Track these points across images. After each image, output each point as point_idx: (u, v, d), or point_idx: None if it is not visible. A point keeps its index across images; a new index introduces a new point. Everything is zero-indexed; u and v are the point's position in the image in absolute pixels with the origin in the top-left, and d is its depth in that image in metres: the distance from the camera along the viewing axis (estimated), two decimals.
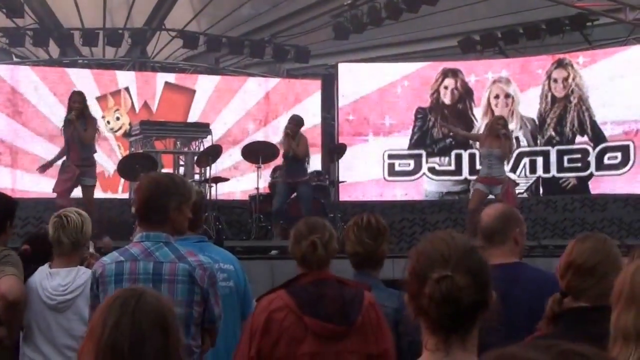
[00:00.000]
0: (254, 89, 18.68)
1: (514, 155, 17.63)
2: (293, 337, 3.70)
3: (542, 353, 1.44)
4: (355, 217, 4.49)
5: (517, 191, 17.48)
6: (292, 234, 4.01)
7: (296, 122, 13.35)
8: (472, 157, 17.92)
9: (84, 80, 17.45)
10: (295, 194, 13.26)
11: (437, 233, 2.38)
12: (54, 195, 11.81)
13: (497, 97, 18.07)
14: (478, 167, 17.88)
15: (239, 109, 18.37)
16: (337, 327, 3.70)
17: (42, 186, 15.25)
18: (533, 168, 17.73)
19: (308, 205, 13.05)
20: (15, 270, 4.88)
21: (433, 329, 2.23)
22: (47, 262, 5.19)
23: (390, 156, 18.13)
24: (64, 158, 11.76)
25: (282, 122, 18.22)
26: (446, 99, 18.27)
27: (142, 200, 4.19)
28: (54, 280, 4.96)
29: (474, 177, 17.90)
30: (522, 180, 17.54)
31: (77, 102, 11.59)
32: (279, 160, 14.66)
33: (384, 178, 18.10)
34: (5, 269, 4.84)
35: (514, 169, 17.72)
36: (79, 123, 11.48)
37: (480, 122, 18.00)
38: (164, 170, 13.71)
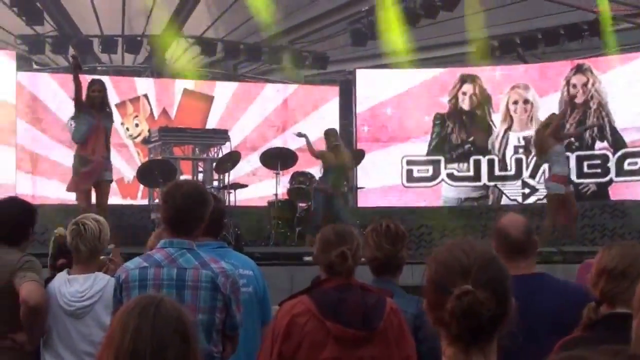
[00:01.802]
0: (272, 95, 18.71)
1: (533, 160, 17.59)
2: (315, 342, 3.70)
3: (612, 357, 1.43)
4: (374, 223, 4.49)
5: (536, 197, 17.46)
6: (320, 241, 4.01)
7: (336, 134, 13.52)
8: (490, 163, 17.89)
9: None
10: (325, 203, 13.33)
11: (456, 241, 2.34)
12: (73, 196, 11.40)
13: (515, 102, 18.02)
14: (497, 172, 17.89)
15: (257, 115, 18.40)
16: (359, 332, 3.70)
17: (62, 193, 15.32)
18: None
19: (346, 214, 13.15)
20: (36, 276, 4.90)
21: (453, 340, 2.22)
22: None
23: (409, 162, 18.10)
24: (76, 150, 11.10)
25: (300, 128, 18.26)
26: (464, 104, 18.24)
27: (176, 209, 4.20)
28: (72, 287, 4.98)
29: (492, 183, 17.91)
30: (542, 186, 17.45)
31: (96, 91, 11.08)
32: (297, 167, 14.69)
33: (403, 184, 18.08)
34: (27, 275, 4.86)
35: (533, 175, 17.68)
36: (102, 114, 11.03)
37: (499, 128, 17.95)
38: (182, 177, 13.74)
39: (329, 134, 13.77)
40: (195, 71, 19.34)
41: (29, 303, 4.77)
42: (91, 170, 10.90)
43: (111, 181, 11.43)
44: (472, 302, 2.16)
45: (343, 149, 13.74)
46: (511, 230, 4.16)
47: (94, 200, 11.14)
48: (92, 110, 10.89)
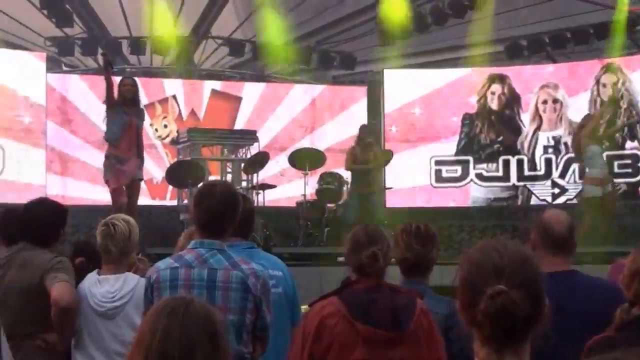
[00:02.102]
0: (300, 95, 18.71)
1: (563, 160, 17.49)
2: (345, 343, 3.70)
3: None
4: (405, 223, 4.48)
5: (566, 197, 17.36)
6: (350, 242, 4.01)
7: (371, 131, 13.54)
8: (519, 163, 17.80)
9: None
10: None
11: (489, 242, 2.34)
12: (102, 197, 11.40)
13: (545, 102, 17.92)
14: (527, 172, 17.80)
15: (285, 115, 18.40)
16: (389, 334, 3.69)
17: (92, 193, 15.42)
18: (582, 174, 17.52)
19: (378, 214, 13.17)
20: (67, 277, 4.93)
21: (486, 340, 2.21)
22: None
23: (437, 162, 18.05)
24: (110, 150, 11.05)
25: (328, 128, 18.30)
26: (493, 104, 18.16)
27: (208, 210, 4.21)
28: (103, 287, 5.00)
29: (522, 184, 17.83)
30: (572, 186, 17.37)
31: (128, 85, 11.08)
32: (325, 167, 14.70)
33: (431, 184, 18.02)
34: (58, 275, 4.89)
35: (562, 175, 17.58)
36: (134, 111, 11.02)
37: (528, 128, 17.87)
38: (211, 178, 13.78)
39: (362, 128, 13.77)
40: (223, 72, 19.40)
41: (60, 304, 4.80)
42: (127, 170, 10.91)
43: (142, 179, 11.48)
44: (505, 302, 2.15)
45: (375, 147, 13.72)
46: (555, 225, 4.14)
47: None
48: (124, 107, 10.88)
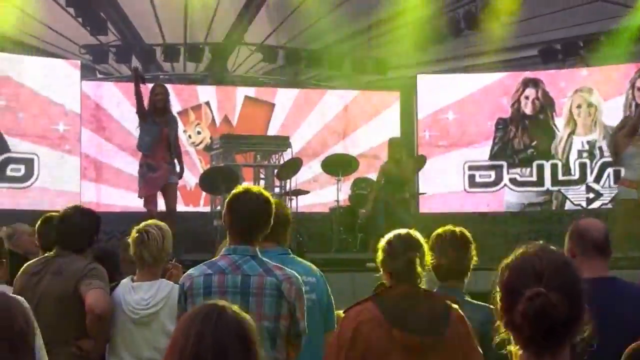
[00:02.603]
0: (333, 101, 18.72)
1: (597, 165, 17.36)
2: (380, 349, 3.67)
3: None
4: (440, 229, 4.47)
5: (601, 202, 17.22)
6: (386, 248, 3.99)
7: (400, 144, 13.52)
8: (554, 167, 17.69)
9: None
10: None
11: (528, 246, 2.35)
12: (136, 203, 11.71)
13: (579, 106, 17.80)
14: (561, 177, 17.68)
15: (318, 121, 18.42)
16: (425, 340, 3.67)
17: (126, 200, 15.49)
18: (617, 178, 17.38)
19: (409, 222, 13.14)
20: (101, 284, 4.95)
21: (525, 344, 2.20)
22: (114, 276, 5.26)
23: (471, 167, 17.98)
24: (142, 159, 11.44)
25: (361, 134, 18.28)
26: (527, 109, 18.07)
27: (241, 216, 4.20)
28: (137, 294, 5.00)
29: (556, 188, 17.70)
30: (606, 191, 17.23)
31: (159, 94, 11.38)
32: (358, 173, 14.68)
33: (465, 189, 17.96)
34: (93, 282, 4.90)
35: (597, 179, 17.44)
36: (165, 119, 11.33)
37: (562, 132, 17.75)
38: (244, 184, 13.81)
39: (392, 144, 13.67)
40: (256, 78, 19.46)
41: (95, 311, 4.81)
42: (158, 177, 11.23)
43: (177, 183, 11.74)
44: (544, 304, 2.15)
45: (405, 161, 13.67)
46: (591, 229, 4.18)
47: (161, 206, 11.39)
48: (155, 117, 11.13)
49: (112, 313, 4.96)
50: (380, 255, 4.02)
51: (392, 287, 3.87)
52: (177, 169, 11.59)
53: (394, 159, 13.35)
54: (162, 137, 11.22)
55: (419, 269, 3.88)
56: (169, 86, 17.77)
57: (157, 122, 11.25)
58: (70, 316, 4.93)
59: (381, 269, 4.02)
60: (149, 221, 5.40)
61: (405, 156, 13.80)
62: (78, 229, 5.21)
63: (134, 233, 5.10)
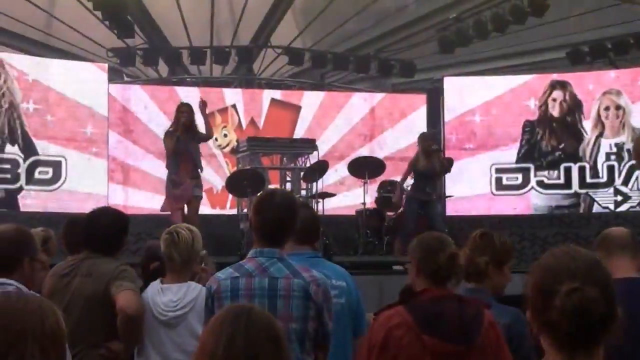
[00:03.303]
0: (359, 104, 18.71)
1: (626, 167, 17.26)
2: (411, 355, 3.64)
3: None
4: (478, 230, 4.49)
5: (629, 205, 17.13)
6: (420, 248, 3.99)
7: (433, 138, 13.48)
8: (581, 170, 17.61)
9: (192, 98, 17.66)
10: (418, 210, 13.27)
11: (559, 247, 2.35)
12: (164, 210, 12.00)
13: (607, 109, 17.71)
14: (589, 180, 17.59)
15: (344, 124, 18.42)
16: (457, 346, 3.62)
17: (153, 202, 15.55)
18: None
19: (440, 222, 13.08)
20: (132, 285, 4.97)
21: (559, 345, 2.20)
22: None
23: (498, 170, 17.92)
24: (168, 175, 11.94)
25: (388, 136, 18.28)
26: (554, 111, 17.99)
27: (268, 219, 4.22)
28: (166, 296, 5.03)
29: (584, 191, 17.62)
30: (635, 194, 17.14)
31: (185, 113, 11.80)
32: (385, 175, 14.67)
33: (492, 192, 17.91)
34: (123, 284, 4.92)
35: (625, 182, 17.34)
36: (189, 135, 11.67)
37: (590, 135, 17.67)
38: (271, 186, 13.83)
39: (420, 137, 13.63)
40: (282, 81, 19.50)
41: (127, 312, 4.83)
42: (182, 193, 11.70)
43: (201, 197, 12.16)
44: (582, 299, 2.15)
45: (439, 154, 13.64)
46: (615, 230, 4.31)
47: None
48: (179, 134, 11.62)
49: (144, 314, 4.98)
50: (413, 255, 4.00)
51: (424, 291, 3.85)
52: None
53: (426, 151, 13.26)
54: (186, 155, 11.70)
55: (460, 264, 3.91)
56: (195, 89, 18.00)
57: (180, 139, 11.65)
58: (100, 318, 4.95)
59: (416, 269, 3.98)
60: (181, 223, 5.44)
61: (439, 150, 13.72)
62: (108, 231, 5.23)
63: (164, 234, 5.13)
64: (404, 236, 12.97)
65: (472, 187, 17.66)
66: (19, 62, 16.53)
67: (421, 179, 13.27)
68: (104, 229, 5.20)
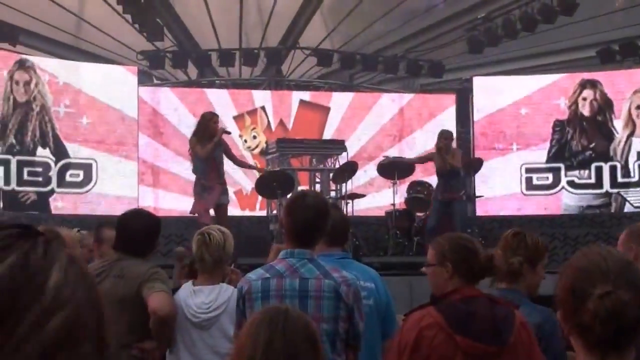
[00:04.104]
0: (388, 104, 18.71)
1: None
2: (443, 356, 3.63)
3: None
4: (510, 230, 4.49)
5: None
6: (455, 250, 3.99)
7: (446, 136, 13.36)
8: (612, 169, 17.50)
9: (221, 100, 17.84)
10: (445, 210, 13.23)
11: (591, 248, 2.33)
12: (193, 212, 12.08)
13: (638, 107, 17.59)
14: (620, 179, 17.49)
15: (373, 125, 18.42)
16: (489, 347, 3.60)
17: (183, 205, 15.61)
18: None
19: (463, 222, 13.04)
20: (164, 287, 5.00)
21: (590, 347, 2.18)
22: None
23: (528, 170, 17.85)
24: (197, 179, 12.03)
25: (417, 137, 18.26)
26: (585, 110, 17.89)
27: (300, 220, 4.24)
28: (198, 298, 5.06)
29: (615, 190, 17.51)
30: None
31: (217, 123, 11.97)
32: (414, 176, 14.65)
33: (522, 192, 17.84)
34: (155, 285, 4.95)
35: None
36: (215, 144, 11.82)
37: (621, 134, 17.56)
38: (300, 188, 13.86)
39: (439, 135, 13.56)
40: (311, 82, 19.53)
41: (159, 313, 4.86)
42: (212, 197, 11.79)
43: (228, 203, 12.21)
44: (615, 303, 2.13)
45: (455, 150, 13.56)
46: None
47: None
48: (206, 142, 11.71)
49: (176, 316, 5.02)
50: (453, 255, 3.96)
51: (454, 291, 3.85)
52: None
53: (445, 149, 13.21)
54: (214, 161, 11.85)
55: (497, 265, 3.93)
56: (224, 91, 18.07)
57: (207, 145, 11.77)
58: (133, 319, 4.97)
59: (452, 271, 3.95)
60: (212, 225, 5.47)
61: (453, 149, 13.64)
62: (139, 233, 5.26)
63: (196, 235, 5.17)
64: (429, 237, 13.02)
65: (502, 187, 17.61)
66: (50, 65, 16.66)
67: (438, 178, 13.32)
68: (136, 231, 5.23)
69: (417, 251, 13.63)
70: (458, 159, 13.32)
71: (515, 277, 4.34)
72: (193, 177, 12.32)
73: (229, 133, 12.43)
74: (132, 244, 5.21)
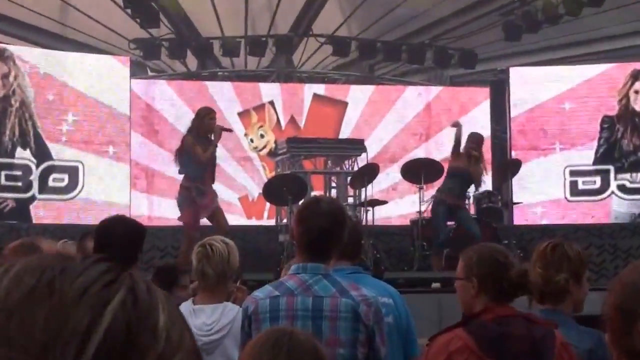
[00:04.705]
0: (414, 99, 18.69)
1: None
2: None
3: None
4: (544, 242, 4.45)
5: None
6: (484, 264, 3.96)
7: (479, 142, 13.38)
8: None
9: (224, 94, 17.84)
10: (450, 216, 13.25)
11: None
12: (183, 221, 12.09)
13: None
14: None
15: (396, 122, 18.40)
16: None
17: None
18: None
19: (475, 226, 13.01)
20: None
21: None
22: (171, 294, 5.30)
23: (573, 173, 17.81)
24: (188, 181, 12.00)
25: (446, 136, 18.18)
26: (637, 105, 17.84)
27: (314, 230, 4.22)
28: (199, 319, 5.04)
29: None
30: None
31: (213, 119, 12.00)
32: (442, 180, 14.61)
33: (566, 198, 17.79)
34: None
35: None
36: (210, 142, 11.89)
37: None
38: (314, 193, 13.85)
39: (470, 138, 13.56)
40: (326, 74, 19.52)
41: None
42: (208, 203, 11.89)
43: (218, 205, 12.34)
44: None
45: (480, 161, 13.55)
46: None
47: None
48: (204, 142, 11.78)
49: None
50: (481, 269, 3.96)
51: (485, 310, 3.83)
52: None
53: (468, 153, 13.22)
54: (211, 161, 11.97)
55: (531, 283, 3.90)
56: (228, 84, 18.08)
57: (205, 145, 11.84)
58: None
59: (478, 287, 3.94)
60: (215, 236, 5.46)
61: (481, 157, 13.64)
62: (120, 243, 5.15)
63: (197, 247, 5.16)
64: (436, 247, 13.04)
65: (543, 193, 17.57)
66: (31, 55, 16.70)
67: (453, 178, 13.27)
68: (117, 240, 5.09)
69: (447, 265, 13.60)
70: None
71: (561, 296, 4.31)
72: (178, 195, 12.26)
73: (230, 131, 12.42)
74: (111, 255, 5.16)
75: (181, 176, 12.09)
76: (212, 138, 11.82)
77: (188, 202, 11.86)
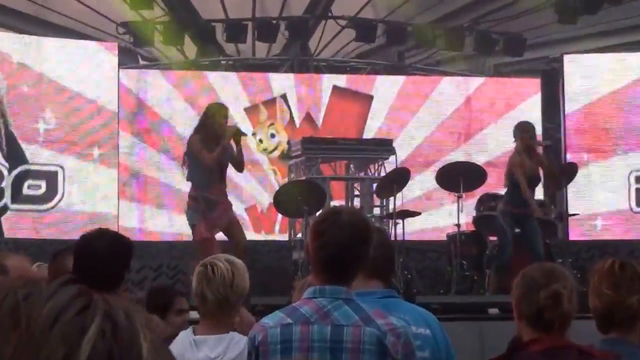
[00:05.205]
0: (451, 92, 18.69)
1: None
2: None
3: None
4: (602, 261, 4.43)
5: None
6: (520, 284, 3.97)
7: (533, 131, 13.31)
8: None
9: (228, 86, 17.86)
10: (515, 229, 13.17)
11: None
12: (188, 231, 12.09)
13: None
14: None
15: (430, 119, 18.41)
16: None
17: (177, 226, 15.65)
18: None
19: (539, 245, 12.89)
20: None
21: None
22: (164, 317, 5.30)
23: (639, 179, 17.79)
24: (197, 190, 12.02)
25: (489, 135, 18.20)
26: None
27: (332, 246, 4.20)
28: (201, 351, 5.04)
29: None
30: None
31: (226, 117, 12.04)
32: (486, 187, 14.59)
33: (631, 209, 17.76)
34: None
35: None
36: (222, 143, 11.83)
37: None
38: (333, 203, 13.86)
39: (524, 128, 13.40)
40: (348, 63, 19.54)
41: None
42: (221, 214, 11.87)
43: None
44: None
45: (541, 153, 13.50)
46: None
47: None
48: (213, 144, 11.74)
49: None
50: (514, 293, 3.98)
51: (534, 340, 3.83)
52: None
53: (525, 147, 13.03)
54: (221, 165, 11.93)
55: (567, 307, 3.85)
56: (233, 74, 18.10)
57: (213, 148, 11.77)
58: None
59: (515, 314, 3.98)
60: (220, 254, 5.45)
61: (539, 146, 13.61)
62: (102, 261, 5.10)
63: (198, 267, 5.16)
64: (497, 268, 12.95)
65: (603, 203, 17.56)
66: (3, 42, 16.75)
67: (514, 186, 13.16)
68: (98, 258, 5.02)
69: (491, 287, 13.59)
70: None
71: (631, 322, 4.28)
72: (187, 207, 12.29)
73: (245, 135, 12.42)
74: (92, 275, 5.13)
75: (178, 183, 12.12)
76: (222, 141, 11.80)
77: (198, 216, 11.87)
